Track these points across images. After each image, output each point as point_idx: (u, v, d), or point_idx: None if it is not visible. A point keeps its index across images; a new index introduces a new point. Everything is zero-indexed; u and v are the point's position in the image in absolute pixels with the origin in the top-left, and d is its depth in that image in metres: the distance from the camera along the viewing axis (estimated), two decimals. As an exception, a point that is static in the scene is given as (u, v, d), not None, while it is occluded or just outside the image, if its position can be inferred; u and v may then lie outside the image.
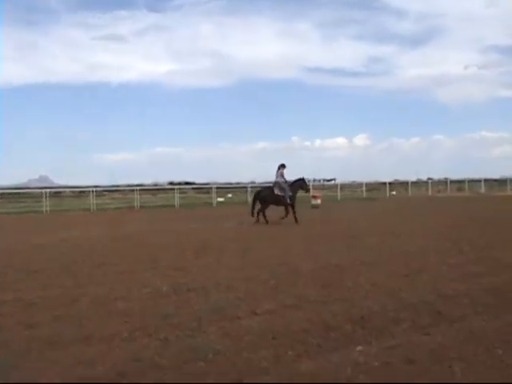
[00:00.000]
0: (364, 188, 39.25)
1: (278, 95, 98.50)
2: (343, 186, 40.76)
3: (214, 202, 32.73)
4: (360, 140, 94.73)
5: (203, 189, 42.81)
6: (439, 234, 11.76)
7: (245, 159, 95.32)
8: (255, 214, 16.18)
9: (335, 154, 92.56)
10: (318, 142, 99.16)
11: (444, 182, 44.76)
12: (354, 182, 45.90)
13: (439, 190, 43.40)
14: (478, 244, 9.76)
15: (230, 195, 39.70)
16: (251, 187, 35.90)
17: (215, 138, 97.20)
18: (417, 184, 45.55)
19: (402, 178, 50.20)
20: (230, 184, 49.39)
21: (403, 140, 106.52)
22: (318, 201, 25.60)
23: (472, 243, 9.84)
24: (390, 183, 41.52)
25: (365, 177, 52.91)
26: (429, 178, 47.52)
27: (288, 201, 16.19)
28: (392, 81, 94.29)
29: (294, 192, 16.48)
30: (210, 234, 13.44)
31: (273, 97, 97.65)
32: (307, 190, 17.96)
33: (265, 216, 16.04)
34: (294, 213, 16.06)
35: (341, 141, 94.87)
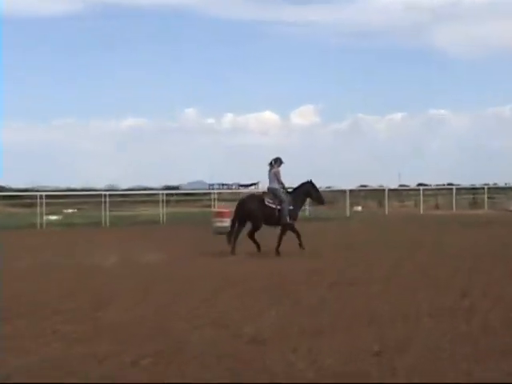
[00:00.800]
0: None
1: (159, 36, 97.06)
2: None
3: (42, 222, 31.92)
4: (302, 116, 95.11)
5: (22, 198, 41.49)
6: (437, 281, 12.07)
7: (99, 147, 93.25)
8: (232, 240, 16.87)
9: (259, 139, 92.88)
10: (228, 119, 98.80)
11: (447, 191, 46.04)
12: (290, 188, 46.63)
13: (438, 204, 44.72)
14: (507, 299, 10.03)
15: (70, 210, 38.88)
16: (109, 195, 35.42)
17: (46, 107, 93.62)
18: (399, 194, 46.95)
19: (374, 182, 51.54)
20: (72, 191, 48.41)
21: (377, 117, 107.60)
22: (226, 222, 25.67)
23: (495, 297, 10.09)
24: (352, 191, 42.49)
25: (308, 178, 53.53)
26: (420, 184, 49.15)
27: (287, 219, 16.95)
28: (358, 12, 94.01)
29: (298, 204, 17.70)
30: (29, 278, 13.23)
31: (150, 38, 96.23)
32: (320, 201, 18.99)
33: (255, 241, 17.07)
34: (298, 236, 17.06)
35: (269, 117, 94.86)
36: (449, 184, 47.88)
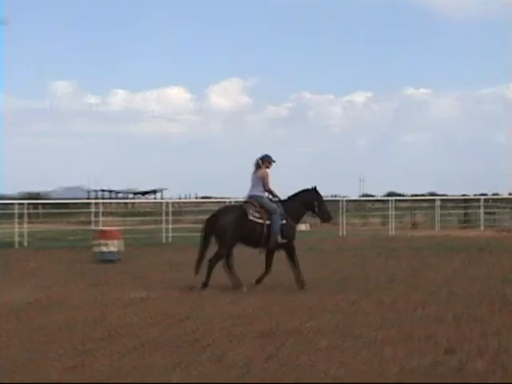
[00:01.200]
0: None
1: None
2: (184, 209, 41.58)
3: None
4: (225, 94, 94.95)
5: None
6: (412, 333, 12.08)
7: None
8: (200, 265, 17.17)
9: (162, 127, 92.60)
10: (118, 98, 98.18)
11: (428, 204, 46.94)
12: (208, 198, 46.70)
13: (415, 222, 45.21)
14: (510, 356, 10.14)
15: None
16: None
17: None
18: (361, 207, 47.36)
19: (325, 191, 51.48)
20: None
21: (331, 97, 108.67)
22: (114, 246, 25.58)
23: (492, 355, 10.19)
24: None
25: (237, 187, 53.65)
26: (391, 194, 49.71)
27: (279, 238, 17.12)
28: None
29: (295, 217, 17.85)
30: None
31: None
32: (326, 217, 19.22)
33: (229, 269, 17.40)
34: (295, 264, 17.58)
35: (177, 95, 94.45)
36: (431, 194, 48.49)
